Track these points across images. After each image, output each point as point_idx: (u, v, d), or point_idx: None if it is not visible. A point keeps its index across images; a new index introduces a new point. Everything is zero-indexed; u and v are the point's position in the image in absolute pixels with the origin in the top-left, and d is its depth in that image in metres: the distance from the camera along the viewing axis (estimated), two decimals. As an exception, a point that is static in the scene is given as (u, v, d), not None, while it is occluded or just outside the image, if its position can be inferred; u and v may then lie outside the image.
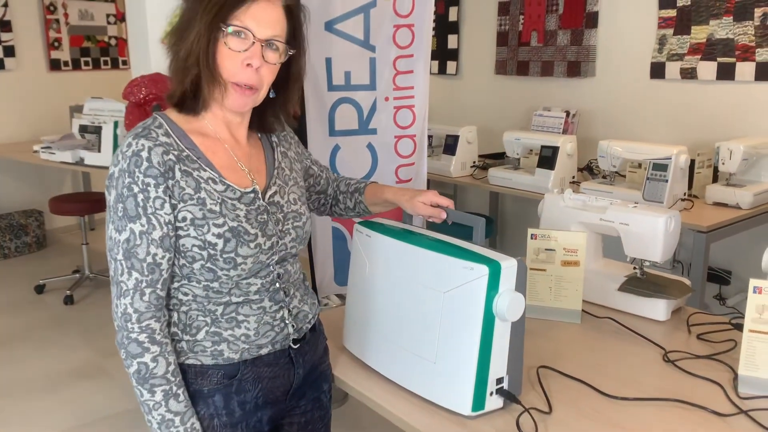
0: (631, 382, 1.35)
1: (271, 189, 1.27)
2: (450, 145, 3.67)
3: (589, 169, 3.55)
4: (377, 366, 1.38)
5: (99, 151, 3.88)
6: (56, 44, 5.42)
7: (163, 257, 1.14)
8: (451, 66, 4.63)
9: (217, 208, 1.17)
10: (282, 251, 1.26)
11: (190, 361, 1.20)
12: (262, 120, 1.30)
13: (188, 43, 1.15)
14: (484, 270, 1.16)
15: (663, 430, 1.18)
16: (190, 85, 1.18)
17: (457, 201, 4.72)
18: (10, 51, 5.13)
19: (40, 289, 4.32)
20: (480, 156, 3.89)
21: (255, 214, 1.22)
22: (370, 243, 1.39)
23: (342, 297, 3.20)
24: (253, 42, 1.15)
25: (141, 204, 1.11)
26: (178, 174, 1.14)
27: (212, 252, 1.15)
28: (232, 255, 1.17)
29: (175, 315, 1.20)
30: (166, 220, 1.13)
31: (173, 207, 1.14)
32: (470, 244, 1.28)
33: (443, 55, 4.67)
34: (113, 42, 5.75)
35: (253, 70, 1.16)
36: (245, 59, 1.16)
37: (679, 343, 1.53)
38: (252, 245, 1.19)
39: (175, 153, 1.15)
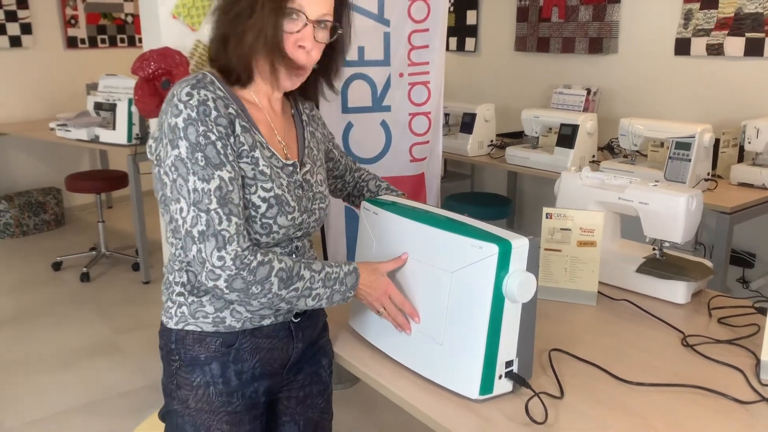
0: (647, 366, 1.30)
1: (305, 166, 1.27)
2: (467, 124, 3.60)
3: (609, 148, 3.46)
4: (383, 346, 1.34)
5: (114, 128, 3.87)
6: (73, 22, 5.41)
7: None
8: (469, 43, 4.54)
9: (268, 171, 1.16)
10: (305, 229, 1.26)
11: (189, 327, 1.19)
12: (302, 89, 1.27)
13: (255, 29, 1.11)
14: (493, 249, 1.11)
15: (680, 417, 1.13)
16: (245, 63, 1.16)
17: (474, 181, 4.65)
18: (27, 28, 5.13)
19: (57, 266, 4.35)
20: (498, 135, 3.82)
21: (293, 187, 1.22)
22: (377, 221, 1.34)
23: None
24: (305, 23, 1.14)
25: (222, 151, 1.10)
26: (238, 128, 1.14)
27: (253, 214, 1.14)
28: (271, 222, 1.16)
29: (185, 275, 1.19)
30: (240, 169, 1.13)
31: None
32: (481, 222, 1.23)
33: (461, 31, 4.57)
34: (129, 19, 5.73)
35: (305, 51, 1.16)
36: (297, 41, 1.15)
37: (699, 327, 1.47)
38: (289, 217, 1.19)
39: (234, 107, 1.14)
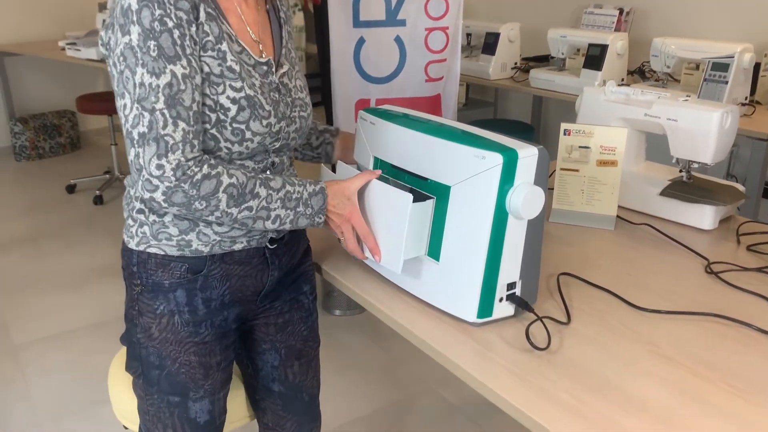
0: (665, 294, 1.20)
1: (282, 67, 1.13)
2: (489, 44, 3.41)
3: (640, 72, 3.25)
4: (379, 268, 1.25)
5: (123, 47, 3.74)
6: (83, -64, 5.20)
7: (201, 107, 0.99)
8: (496, -41, 4.26)
9: (237, 68, 1.02)
10: (284, 140, 1.13)
11: (152, 250, 1.08)
12: None
13: None
14: (497, 159, 1.00)
15: (695, 345, 1.03)
16: None
17: (496, 107, 4.47)
18: (36, -57, 4.95)
19: (71, 189, 4.33)
20: (523, 59, 3.62)
21: (268, 90, 1.08)
22: (375, 131, 1.23)
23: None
24: None
25: (178, 42, 0.94)
26: (202, 14, 0.98)
27: (222, 117, 1.01)
28: (242, 127, 1.03)
29: None
30: (200, 66, 0.98)
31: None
32: (489, 132, 1.11)
33: (488, -53, 4.29)
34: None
35: None
36: None
37: (726, 254, 1.35)
38: (264, 122, 1.06)
39: None
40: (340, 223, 1.13)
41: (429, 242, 1.11)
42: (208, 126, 1.01)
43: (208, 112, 1.00)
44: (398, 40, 2.52)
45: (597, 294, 1.20)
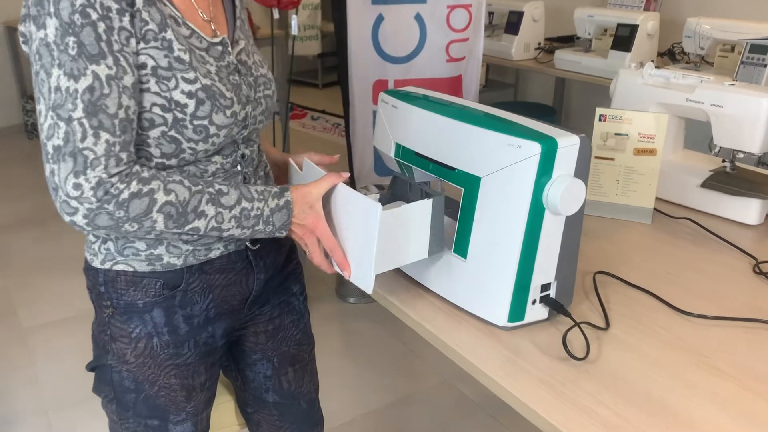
0: (710, 296, 1.10)
1: (238, 44, 1.01)
2: (512, 24, 3.28)
3: (670, 54, 3.12)
4: (400, 262, 1.16)
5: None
6: None
7: (135, 113, 0.85)
8: (519, -65, 4.11)
9: (187, 57, 0.89)
10: (252, 125, 1.01)
11: (119, 267, 0.96)
12: None
13: None
14: (535, 148, 0.90)
15: (750, 357, 0.93)
16: None
17: (517, 89, 4.34)
18: None
19: (83, 169, 4.28)
20: (546, 39, 3.49)
21: (226, 73, 0.95)
22: (396, 115, 1.13)
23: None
24: None
25: (104, 37, 0.81)
26: (139, 0, 0.85)
27: (180, 116, 0.88)
28: (205, 123, 0.90)
29: None
30: (135, 62, 0.85)
31: (137, 45, 0.86)
32: (524, 117, 1.01)
33: None
34: None
35: None
36: None
37: (775, 253, 1.25)
38: (228, 113, 0.93)
39: None
40: (303, 235, 0.99)
41: (440, 243, 1.02)
42: (165, 128, 0.89)
43: (162, 113, 0.88)
44: (418, 18, 2.42)
45: (636, 295, 1.10)
